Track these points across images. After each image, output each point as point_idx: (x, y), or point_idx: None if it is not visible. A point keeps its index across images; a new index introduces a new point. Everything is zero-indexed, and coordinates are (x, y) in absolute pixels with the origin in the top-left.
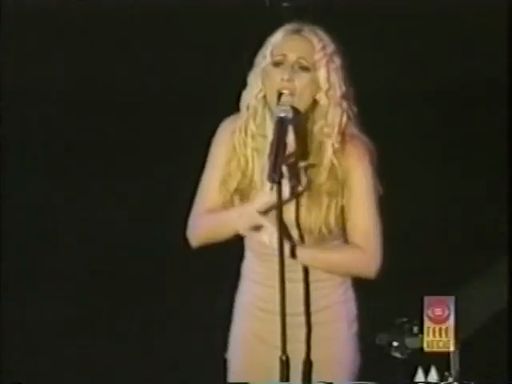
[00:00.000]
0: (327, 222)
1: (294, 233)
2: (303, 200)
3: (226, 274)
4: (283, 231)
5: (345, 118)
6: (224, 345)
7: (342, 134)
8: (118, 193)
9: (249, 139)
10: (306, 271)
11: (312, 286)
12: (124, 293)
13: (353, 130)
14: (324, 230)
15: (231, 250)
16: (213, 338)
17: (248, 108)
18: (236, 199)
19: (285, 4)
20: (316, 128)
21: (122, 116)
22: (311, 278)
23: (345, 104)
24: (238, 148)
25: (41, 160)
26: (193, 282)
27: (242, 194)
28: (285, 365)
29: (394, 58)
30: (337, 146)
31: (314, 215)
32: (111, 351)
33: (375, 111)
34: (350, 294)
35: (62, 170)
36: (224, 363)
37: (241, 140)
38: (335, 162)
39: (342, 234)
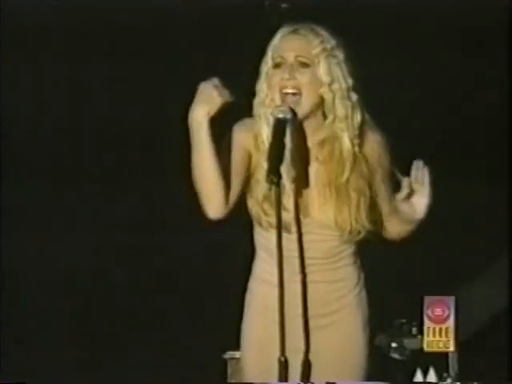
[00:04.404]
0: (358, 218)
1: (326, 232)
2: (332, 199)
3: (228, 273)
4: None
5: (358, 112)
6: (223, 345)
7: (361, 126)
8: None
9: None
10: (322, 272)
11: (329, 288)
12: (124, 291)
13: (368, 119)
14: (355, 227)
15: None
16: (214, 338)
17: (259, 116)
18: (266, 206)
19: (284, 5)
20: (327, 122)
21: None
22: (328, 278)
23: (354, 96)
24: (255, 155)
25: None
26: (194, 280)
27: (271, 200)
28: (283, 366)
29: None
30: (356, 141)
31: (344, 213)
32: (111, 351)
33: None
34: (364, 295)
35: None
36: (224, 363)
37: (260, 150)
38: (358, 155)
39: (374, 229)
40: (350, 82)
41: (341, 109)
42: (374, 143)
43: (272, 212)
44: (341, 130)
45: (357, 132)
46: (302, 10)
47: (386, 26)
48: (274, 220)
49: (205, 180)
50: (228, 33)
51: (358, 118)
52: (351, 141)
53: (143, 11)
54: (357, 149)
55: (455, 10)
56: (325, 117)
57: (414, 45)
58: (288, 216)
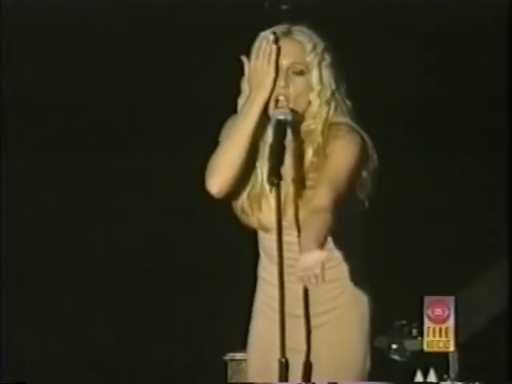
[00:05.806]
0: None
1: (297, 234)
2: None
3: (234, 273)
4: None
5: (331, 113)
6: (224, 346)
7: (329, 127)
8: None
9: (252, 147)
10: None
11: (322, 288)
12: (125, 292)
13: (343, 119)
14: None
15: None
16: (214, 339)
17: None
18: (246, 205)
19: (283, 6)
20: (303, 126)
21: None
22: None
23: (333, 101)
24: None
25: None
26: (195, 280)
27: (253, 199)
28: (284, 367)
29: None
30: (316, 145)
31: (302, 214)
32: (111, 350)
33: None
34: (362, 294)
35: None
36: (225, 365)
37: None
38: (314, 160)
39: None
40: (334, 86)
41: (321, 114)
42: (337, 148)
43: (250, 212)
44: (309, 133)
45: (321, 138)
46: (302, 10)
47: (385, 25)
48: (251, 222)
49: (232, 155)
50: (228, 33)
51: (328, 123)
52: (312, 143)
53: (143, 11)
54: (318, 153)
55: (455, 9)
56: (304, 120)
57: (414, 45)
58: (268, 218)
